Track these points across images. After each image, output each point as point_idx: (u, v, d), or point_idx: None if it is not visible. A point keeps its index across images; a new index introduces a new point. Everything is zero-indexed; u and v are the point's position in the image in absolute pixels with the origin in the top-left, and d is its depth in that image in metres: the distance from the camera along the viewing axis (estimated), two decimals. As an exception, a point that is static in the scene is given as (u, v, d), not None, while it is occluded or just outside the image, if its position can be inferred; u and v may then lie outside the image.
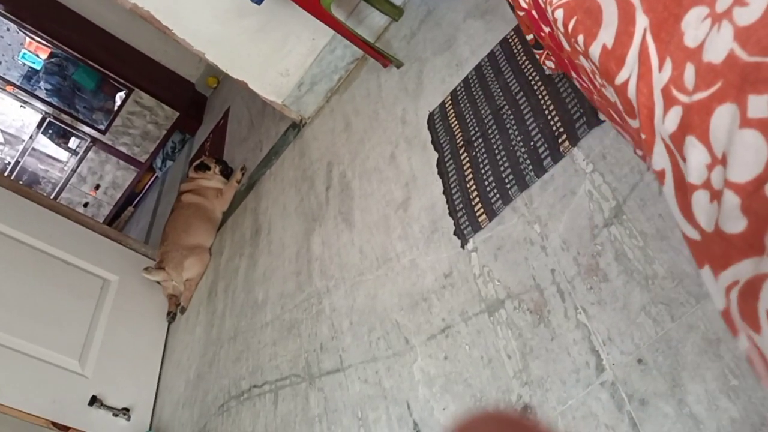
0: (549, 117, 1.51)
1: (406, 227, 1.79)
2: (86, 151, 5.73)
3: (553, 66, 1.30)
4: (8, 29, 5.31)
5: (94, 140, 5.62)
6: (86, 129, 5.56)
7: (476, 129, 1.72)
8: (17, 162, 5.89)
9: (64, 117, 5.50)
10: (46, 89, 5.41)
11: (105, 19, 4.82)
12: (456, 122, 1.81)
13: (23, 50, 5.30)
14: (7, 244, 2.77)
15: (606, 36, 0.66)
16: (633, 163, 1.27)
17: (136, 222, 5.56)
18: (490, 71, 1.79)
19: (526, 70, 1.68)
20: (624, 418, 1.07)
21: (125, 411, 2.59)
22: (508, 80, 1.71)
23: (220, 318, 2.65)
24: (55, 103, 5.46)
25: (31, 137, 5.80)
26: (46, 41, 4.94)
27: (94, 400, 2.52)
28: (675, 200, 0.61)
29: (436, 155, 1.81)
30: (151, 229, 4.68)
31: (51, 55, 5.30)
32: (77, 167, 5.79)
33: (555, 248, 1.33)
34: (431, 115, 1.93)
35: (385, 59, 2.27)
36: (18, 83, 5.39)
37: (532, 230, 1.40)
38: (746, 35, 0.51)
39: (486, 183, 1.59)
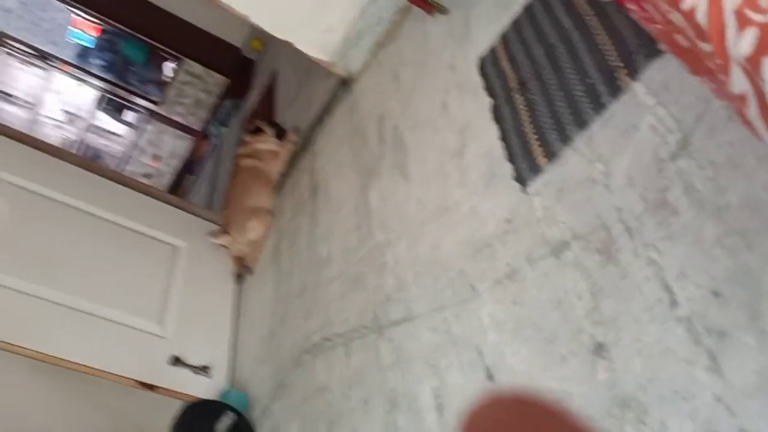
0: (605, 51, 1.46)
1: (464, 175, 1.78)
2: (143, 123, 5.88)
3: None
4: (59, 9, 5.43)
5: (150, 112, 5.76)
6: (141, 102, 5.70)
7: (530, 70, 1.68)
8: (80, 139, 6.11)
9: (119, 91, 5.65)
10: (99, 65, 5.55)
11: (148, -9, 4.87)
12: (508, 65, 1.77)
13: (70, 29, 5.43)
14: (81, 217, 2.91)
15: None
16: (698, 91, 1.22)
17: (197, 189, 5.72)
18: (540, 9, 1.73)
19: (577, 4, 1.61)
20: (702, 352, 1.05)
21: (206, 369, 2.72)
22: (559, 17, 1.65)
23: (288, 275, 2.73)
24: (109, 79, 5.60)
25: (90, 114, 5.99)
26: (92, 17, 5.04)
27: (176, 360, 2.66)
28: (763, 120, 0.59)
29: (489, 100, 1.78)
30: (213, 194, 4.81)
31: (102, 31, 5.41)
32: (136, 140, 5.97)
33: (620, 186, 1.30)
34: (482, 59, 1.88)
35: (430, 6, 2.22)
36: (73, 62, 5.54)
37: (595, 169, 1.37)
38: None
39: (543, 124, 1.55)
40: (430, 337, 1.68)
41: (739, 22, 0.54)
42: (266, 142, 3.33)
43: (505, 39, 1.82)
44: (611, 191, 1.31)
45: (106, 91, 5.71)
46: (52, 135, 6.31)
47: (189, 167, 6.07)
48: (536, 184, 1.51)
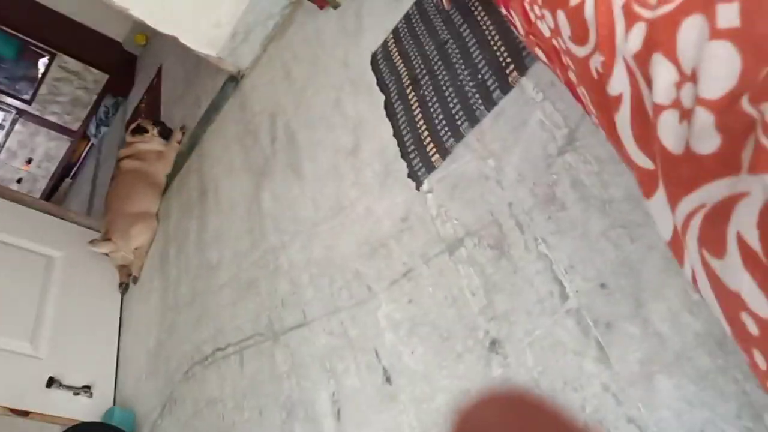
0: (495, 48, 1.47)
1: (358, 173, 1.75)
2: (12, 123, 5.41)
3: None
4: None
5: (20, 112, 5.31)
6: (10, 101, 5.24)
7: (422, 66, 1.67)
8: (-61, 141, 5.54)
9: (-15, 89, 5.17)
10: (-39, 61, 5.05)
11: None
12: (400, 61, 1.75)
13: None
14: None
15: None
16: (583, 88, 1.25)
17: (75, 194, 5.34)
18: (431, 5, 1.73)
19: (468, 0, 1.62)
20: (591, 343, 1.07)
21: (86, 388, 2.53)
22: (451, 13, 1.65)
23: (175, 283, 2.58)
24: (-28, 76, 5.11)
25: (-50, 113, 5.44)
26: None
27: (51, 381, 2.44)
28: (630, 127, 0.58)
29: (382, 97, 1.76)
30: (93, 199, 4.50)
31: (-38, 25, 4.93)
32: (5, 141, 5.48)
33: (510, 181, 1.31)
34: (374, 55, 1.86)
35: (321, 0, 2.17)
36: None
37: (486, 165, 1.38)
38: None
39: (436, 121, 1.55)
40: (327, 341, 1.63)
41: (627, 18, 0.53)
42: (150, 142, 3.15)
43: (396, 34, 1.81)
44: (503, 187, 1.32)
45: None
46: None
47: (66, 171, 5.65)
48: (430, 182, 1.50)
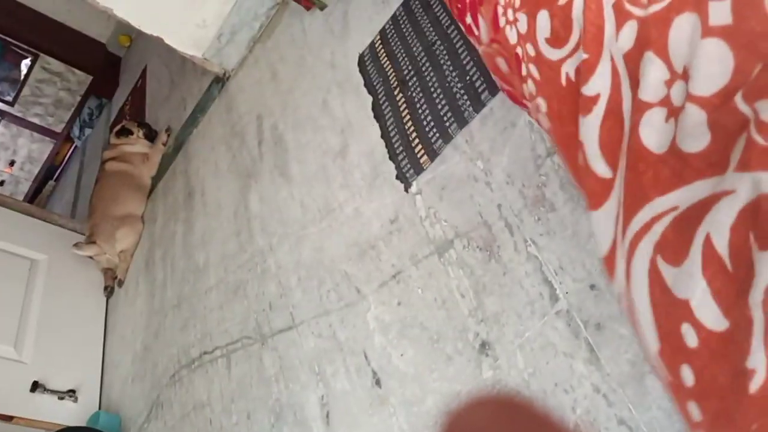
0: (483, 49, 1.47)
1: (347, 175, 1.74)
2: (-6, 125, 5.35)
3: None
4: None
5: (2, 113, 5.25)
6: (-9, 102, 5.18)
7: (409, 67, 1.66)
8: None
9: (-35, 91, 5.10)
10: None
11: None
12: (388, 62, 1.74)
13: None
14: None
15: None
16: (571, 89, 1.25)
17: (59, 196, 5.29)
18: (419, 6, 1.72)
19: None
20: (581, 344, 1.07)
21: (71, 393, 2.50)
22: (438, 14, 1.65)
23: (161, 287, 2.56)
24: (-48, 77, 5.04)
25: (-70, 115, 5.36)
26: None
27: (36, 386, 2.41)
28: (598, 130, 0.58)
29: (370, 98, 1.75)
30: (77, 202, 4.46)
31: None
32: (-14, 144, 5.42)
33: (500, 183, 1.31)
34: (361, 56, 1.85)
35: (308, 1, 2.16)
36: None
37: (475, 167, 1.38)
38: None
39: (424, 123, 1.54)
40: (316, 344, 1.62)
41: (618, 16, 0.53)
42: (135, 145, 3.12)
43: (384, 35, 1.80)
44: (492, 188, 1.32)
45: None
46: None
47: (50, 173, 5.59)
48: (419, 183, 1.50)
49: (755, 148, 0.44)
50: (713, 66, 0.47)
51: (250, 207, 2.13)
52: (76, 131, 5.18)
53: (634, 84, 0.55)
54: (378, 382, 1.41)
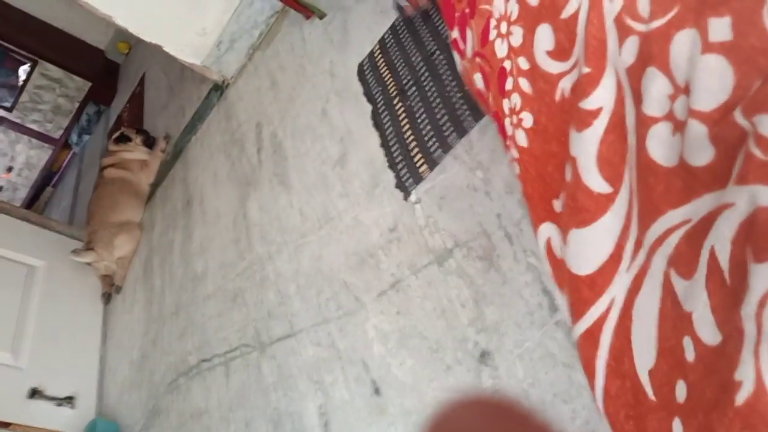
0: (482, 59, 1.48)
1: (346, 184, 1.74)
2: (-7, 131, 5.34)
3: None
4: None
5: (0, 119, 5.24)
6: (-11, 108, 5.17)
7: (409, 77, 1.67)
8: None
9: (-36, 97, 5.09)
10: (-62, 68, 4.97)
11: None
12: (387, 71, 1.75)
13: None
14: None
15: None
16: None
17: (57, 203, 5.27)
18: (417, 16, 1.73)
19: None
20: (581, 355, 1.07)
21: (69, 399, 2.49)
22: (437, 24, 1.66)
23: (159, 294, 2.55)
24: (-50, 83, 5.03)
25: (-72, 121, 5.35)
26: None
27: (34, 392, 2.40)
28: (597, 145, 0.58)
29: (369, 107, 1.76)
30: (75, 208, 4.45)
31: (-61, 30, 4.85)
32: (-16, 150, 5.40)
33: (499, 192, 1.32)
34: (361, 65, 1.86)
35: (307, 10, 2.17)
36: None
37: (475, 176, 1.38)
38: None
39: (424, 132, 1.55)
40: (315, 353, 1.62)
41: (620, 31, 0.54)
42: (134, 151, 3.12)
43: (383, 45, 1.81)
44: (491, 198, 1.33)
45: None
46: None
47: (48, 179, 5.58)
48: (418, 192, 1.50)
49: (753, 162, 0.44)
50: (713, 81, 0.48)
51: (249, 215, 2.13)
52: (74, 138, 5.17)
53: (637, 98, 0.55)
54: (377, 392, 1.41)
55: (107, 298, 2.96)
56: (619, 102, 0.56)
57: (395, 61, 1.74)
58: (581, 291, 0.56)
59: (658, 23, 0.52)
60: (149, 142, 3.18)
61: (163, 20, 2.52)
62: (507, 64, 0.70)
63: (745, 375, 0.41)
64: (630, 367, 0.53)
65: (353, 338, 1.53)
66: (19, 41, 4.70)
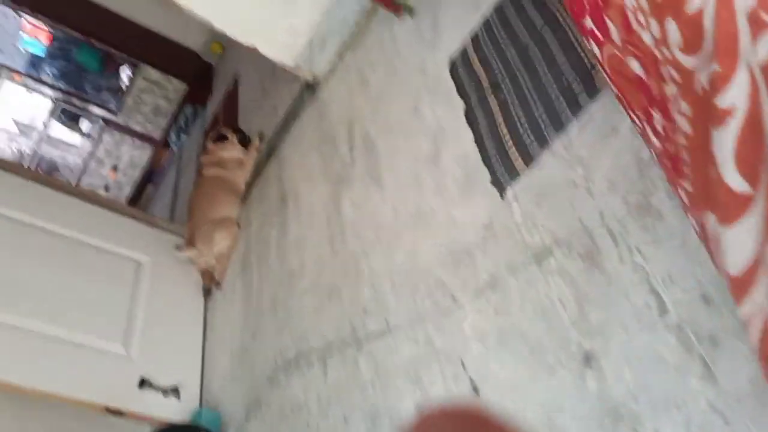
0: (580, 50, 1.43)
1: (439, 181, 1.74)
2: (100, 132, 5.70)
3: None
4: (5, 15, 5.23)
5: (106, 121, 5.60)
6: (97, 110, 5.53)
7: (503, 72, 1.65)
8: (34, 151, 5.90)
9: (74, 100, 5.47)
10: (52, 74, 5.36)
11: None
12: (480, 67, 1.73)
13: (23, 35, 5.23)
14: (37, 235, 2.78)
15: (670, -41, 0.59)
16: (678, 91, 1.20)
17: (159, 199, 5.57)
18: (511, 8, 1.70)
19: (549, 1, 1.58)
20: (695, 359, 1.03)
21: (175, 390, 2.63)
22: (531, 16, 1.62)
23: (258, 289, 2.65)
24: (63, 88, 5.42)
25: (44, 125, 5.79)
26: (44, 23, 4.86)
27: (143, 382, 2.55)
28: (733, 144, 0.55)
29: (462, 104, 1.75)
30: (175, 205, 4.68)
31: (53, 39, 5.23)
32: (94, 150, 5.78)
33: (601, 189, 1.27)
34: (452, 61, 1.85)
35: (397, 7, 2.17)
36: (24, 71, 5.34)
37: (575, 172, 1.34)
38: None
39: (519, 127, 1.52)
40: (411, 350, 1.63)
41: (754, 26, 0.51)
42: (231, 150, 3.24)
43: (475, 40, 1.79)
44: (593, 195, 1.29)
45: (60, 100, 5.52)
46: (4, 148, 6.08)
47: (149, 177, 5.91)
48: (514, 189, 1.48)
49: None
50: None
51: (343, 212, 2.17)
52: (173, 137, 5.45)
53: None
54: (476, 390, 1.41)
55: (208, 292, 3.10)
56: (754, 101, 0.53)
57: (488, 56, 1.72)
58: (733, 289, 0.55)
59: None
60: (245, 141, 3.30)
61: (257, 22, 2.60)
62: (657, 53, 0.68)
63: None
64: None
65: (450, 336, 1.53)
66: (120, 46, 4.97)
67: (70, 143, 6.11)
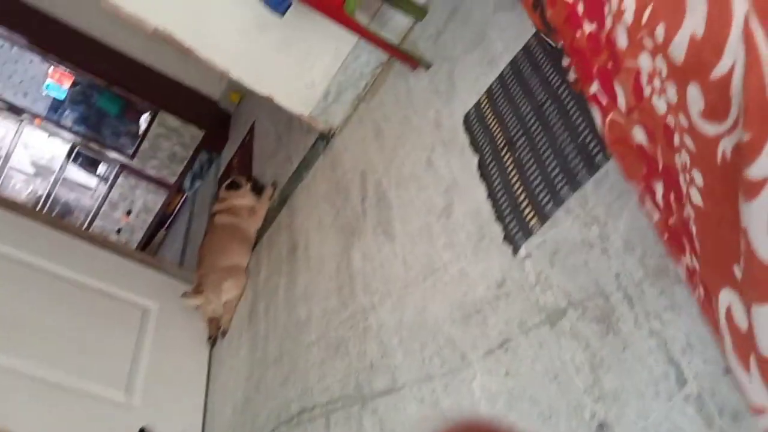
0: (596, 110, 1.42)
1: (451, 235, 1.71)
2: (116, 177, 5.77)
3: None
4: (31, 61, 5.38)
5: (122, 166, 5.66)
6: (114, 155, 5.60)
7: (517, 128, 1.64)
8: (49, 194, 5.97)
9: (92, 145, 5.56)
10: (72, 118, 5.46)
11: (124, 44, 4.80)
12: (495, 122, 1.73)
13: (48, 81, 5.36)
14: (45, 278, 2.77)
15: (693, 23, 0.58)
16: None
17: (170, 244, 5.58)
18: (527, 65, 1.71)
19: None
20: (716, 434, 0.98)
21: (175, 439, 2.56)
22: (548, 74, 1.62)
23: (263, 339, 2.60)
24: (82, 132, 5.51)
25: (61, 168, 5.87)
26: (70, 70, 4.99)
27: (142, 432, 2.49)
28: (767, 217, 0.53)
29: (476, 158, 1.74)
30: (185, 250, 4.68)
31: (74, 84, 5.35)
32: (108, 194, 5.84)
33: (617, 250, 1.24)
34: (467, 116, 1.85)
35: (413, 61, 2.20)
36: (45, 115, 5.45)
37: (590, 232, 1.31)
38: None
39: (534, 184, 1.50)
40: (418, 409, 1.58)
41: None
42: (243, 198, 3.24)
43: (490, 95, 1.79)
44: (608, 256, 1.25)
45: (79, 144, 5.61)
46: (20, 189, 6.16)
47: (162, 222, 5.94)
48: (528, 247, 1.45)
49: None
50: None
51: (353, 263, 2.14)
52: (187, 183, 5.49)
53: None
54: (484, 456, 1.34)
55: (213, 341, 3.05)
56: None
57: (503, 112, 1.72)
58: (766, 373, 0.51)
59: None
60: (258, 189, 3.31)
61: (275, 73, 2.64)
62: (670, 120, 0.66)
63: None
64: None
65: (458, 397, 1.47)
66: (141, 93, 5.07)
67: (85, 185, 6.18)
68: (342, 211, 2.37)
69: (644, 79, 0.73)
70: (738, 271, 0.60)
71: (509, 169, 1.61)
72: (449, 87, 2.00)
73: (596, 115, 0.89)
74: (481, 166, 1.70)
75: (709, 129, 0.59)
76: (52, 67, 5.25)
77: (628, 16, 0.69)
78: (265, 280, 2.89)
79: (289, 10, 2.22)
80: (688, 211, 0.66)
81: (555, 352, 1.28)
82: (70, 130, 5.48)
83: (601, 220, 1.30)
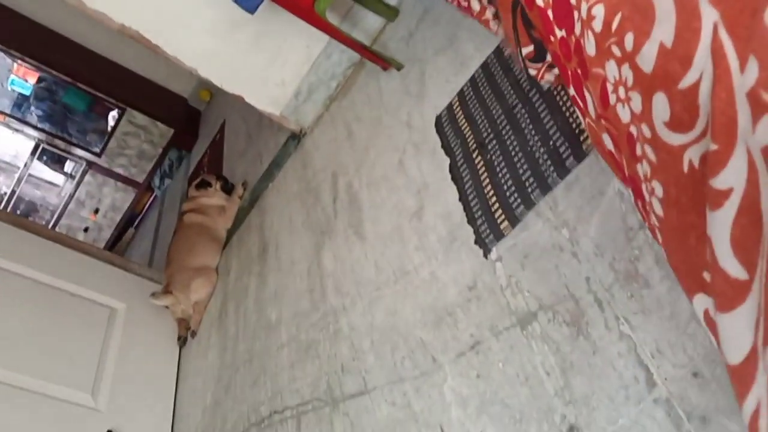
0: (567, 113, 1.43)
1: (423, 237, 1.71)
2: (83, 174, 5.65)
3: (552, 80, 1.22)
4: (-4, 56, 5.23)
5: (90, 163, 5.55)
6: (81, 152, 5.48)
7: (489, 130, 1.64)
8: (13, 191, 5.82)
9: (58, 142, 5.43)
10: (37, 115, 5.33)
11: (91, 40, 4.72)
12: (466, 124, 1.72)
13: (12, 76, 5.22)
14: (8, 278, 2.70)
15: (662, 33, 0.58)
16: (665, 157, 1.19)
17: (138, 244, 5.49)
18: (499, 68, 1.70)
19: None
20: (684, 438, 0.98)
21: (143, 444, 2.52)
22: (519, 77, 1.62)
23: (233, 340, 2.57)
24: (47, 129, 5.38)
25: (25, 165, 5.73)
26: (34, 66, 4.86)
27: (109, 435, 2.44)
28: (730, 228, 0.53)
29: (447, 160, 1.73)
30: (154, 250, 4.60)
31: (39, 80, 5.22)
32: (75, 192, 5.72)
33: (587, 254, 1.25)
34: (438, 117, 1.84)
35: (384, 62, 2.18)
36: (8, 111, 5.31)
37: (560, 235, 1.32)
38: None
39: (505, 187, 1.50)
40: (389, 412, 1.57)
41: (755, 107, 0.48)
42: (213, 197, 3.20)
43: (462, 97, 1.79)
44: (579, 259, 1.26)
45: (44, 141, 5.47)
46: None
47: (130, 220, 5.83)
48: (499, 250, 1.45)
49: None
50: None
51: (324, 264, 2.12)
52: (156, 181, 5.40)
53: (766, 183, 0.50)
54: (455, 460, 1.34)
55: (183, 341, 3.01)
56: (752, 184, 0.50)
57: (475, 114, 1.71)
58: (733, 380, 0.52)
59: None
60: (228, 188, 3.27)
61: (245, 72, 2.60)
62: (633, 130, 0.65)
63: None
64: None
65: (430, 400, 1.47)
66: (108, 90, 4.97)
67: (51, 182, 6.04)
68: (313, 212, 2.35)
69: (610, 87, 0.73)
70: (708, 277, 0.60)
71: (481, 171, 1.60)
72: (421, 88, 2.00)
73: (580, 116, 0.89)
74: (453, 169, 1.70)
75: (675, 139, 0.59)
76: (15, 63, 5.12)
77: (597, 24, 0.69)
78: (235, 280, 2.85)
79: (259, 8, 2.18)
80: (653, 220, 0.66)
81: (526, 355, 1.28)
82: (35, 127, 5.35)
83: (571, 224, 1.30)
